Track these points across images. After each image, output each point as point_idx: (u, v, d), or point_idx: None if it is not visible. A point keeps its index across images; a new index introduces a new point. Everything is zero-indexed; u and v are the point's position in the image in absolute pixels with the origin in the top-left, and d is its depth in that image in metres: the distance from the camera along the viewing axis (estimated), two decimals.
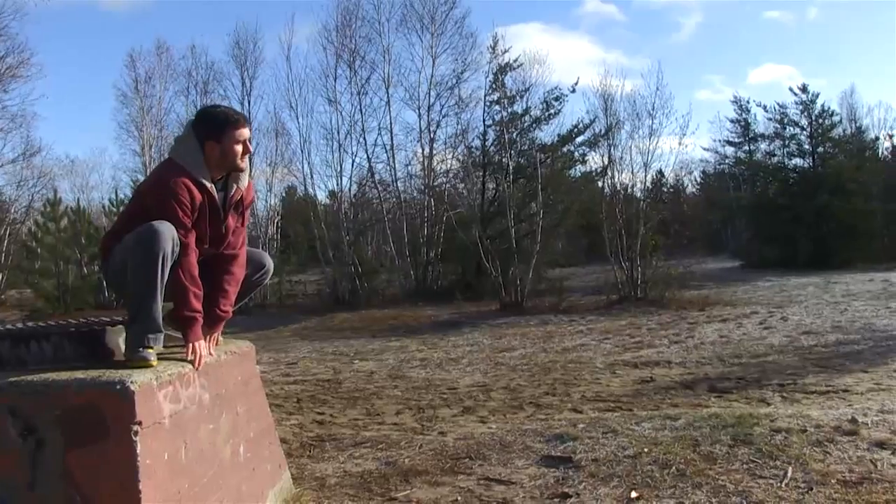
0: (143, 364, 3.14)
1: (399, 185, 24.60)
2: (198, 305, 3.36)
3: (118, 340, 3.42)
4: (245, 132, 3.45)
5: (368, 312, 18.48)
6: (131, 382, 2.88)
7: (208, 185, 3.37)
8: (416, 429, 6.50)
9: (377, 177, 24.39)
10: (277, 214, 25.61)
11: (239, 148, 3.42)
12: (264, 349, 12.85)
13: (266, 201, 25.06)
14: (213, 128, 3.38)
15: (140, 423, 2.87)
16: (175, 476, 3.06)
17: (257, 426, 4.18)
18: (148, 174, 3.51)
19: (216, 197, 3.41)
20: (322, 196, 26.54)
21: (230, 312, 3.70)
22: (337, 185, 24.12)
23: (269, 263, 4.00)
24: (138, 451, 2.84)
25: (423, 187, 23.84)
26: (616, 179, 19.86)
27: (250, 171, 3.65)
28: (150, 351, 3.20)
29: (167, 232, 3.14)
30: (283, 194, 28.75)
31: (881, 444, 4.85)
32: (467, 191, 23.12)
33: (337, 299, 21.14)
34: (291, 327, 16.72)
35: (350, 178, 24.82)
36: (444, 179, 24.20)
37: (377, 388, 8.87)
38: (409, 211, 24.04)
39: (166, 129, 25.20)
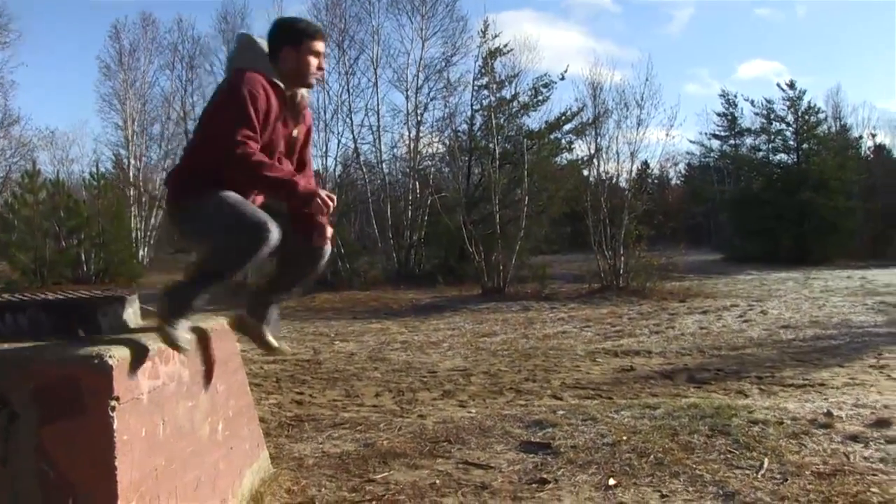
0: (168, 339, 3.09)
1: (384, 167, 24.54)
2: (288, 171, 3.20)
3: (112, 313, 3.37)
4: (323, 45, 3.25)
5: (350, 294, 18.44)
6: (109, 357, 2.83)
7: (281, 86, 3.14)
8: (395, 411, 6.50)
9: (362, 158, 24.30)
10: None
11: (314, 61, 3.21)
12: None
13: None
14: (294, 34, 3.18)
15: (118, 399, 2.82)
16: (152, 452, 3.03)
17: (236, 405, 4.15)
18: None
19: (286, 103, 3.19)
20: None
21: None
22: (322, 165, 24.03)
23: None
24: (115, 427, 2.80)
25: (408, 170, 23.77)
26: (602, 168, 19.94)
27: None
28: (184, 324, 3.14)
29: (275, 232, 3.02)
30: None
31: (854, 438, 4.91)
32: (453, 175, 23.05)
33: (318, 280, 21.05)
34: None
35: (335, 158, 24.73)
36: (430, 163, 24.17)
37: (357, 369, 8.85)
38: (393, 193, 23.96)
39: (150, 104, 24.92)
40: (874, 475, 4.19)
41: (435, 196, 21.77)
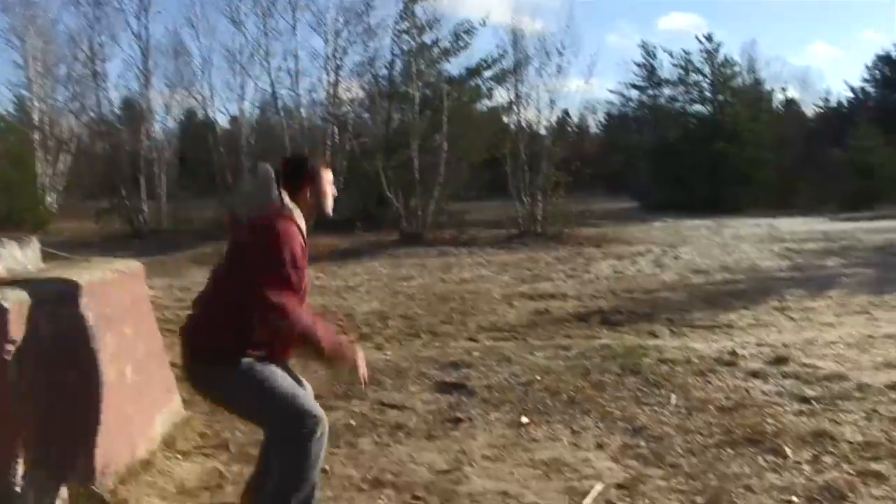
0: None
1: (303, 111, 23.98)
2: (330, 331, 2.96)
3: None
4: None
5: None
6: (3, 300, 2.69)
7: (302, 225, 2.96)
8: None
9: (280, 102, 23.68)
10: (175, 138, 24.56)
11: (331, 188, 3.08)
12: (158, 274, 12.43)
13: (164, 124, 24.03)
14: (311, 170, 3.02)
15: (14, 343, 2.70)
16: (53, 397, 2.92)
17: (146, 349, 4.04)
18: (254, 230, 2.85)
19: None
20: (223, 121, 25.58)
21: None
22: (238, 109, 23.31)
23: None
24: (13, 372, 2.68)
25: (327, 115, 23.30)
26: (522, 115, 19.94)
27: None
28: None
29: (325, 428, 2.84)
30: (182, 118, 27.51)
31: (755, 374, 5.12)
32: (372, 121, 22.70)
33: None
34: (187, 253, 16.18)
35: (252, 102, 24.00)
36: (349, 108, 23.70)
37: None
38: (312, 139, 23.49)
39: (54, 43, 23.51)
40: (771, 408, 4.38)
41: (354, 142, 21.39)
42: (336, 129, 22.47)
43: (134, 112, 23.08)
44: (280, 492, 2.75)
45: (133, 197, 20.77)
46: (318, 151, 3.28)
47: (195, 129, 26.97)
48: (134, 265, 4.15)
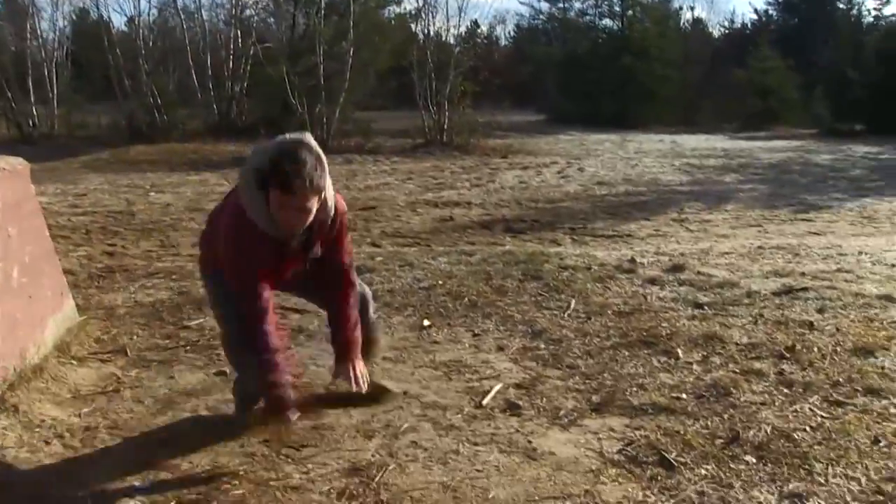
0: None
1: (203, 13, 22.84)
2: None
3: None
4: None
5: (167, 146, 17.37)
6: None
7: None
8: None
9: (180, 4, 22.48)
10: (68, 39, 22.98)
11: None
12: (50, 180, 11.83)
13: (53, 22, 22.41)
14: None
15: None
16: None
17: (33, 251, 3.81)
18: None
19: None
20: (120, 22, 24.09)
21: None
22: (135, 9, 21.95)
23: None
24: None
25: (229, 18, 22.25)
26: (430, 23, 19.55)
27: None
28: None
29: None
30: (74, 17, 25.72)
31: (652, 281, 5.23)
32: (276, 25, 21.82)
33: (133, 132, 19.58)
34: (82, 159, 15.39)
35: (150, 2, 22.68)
36: (252, 12, 22.73)
37: (173, 220, 8.45)
38: (214, 43, 22.45)
39: None
40: (666, 312, 4.49)
41: (258, 46, 20.54)
42: (239, 33, 21.49)
43: (16, 6, 21.36)
44: None
45: (20, 100, 19.41)
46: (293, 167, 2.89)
47: (89, 29, 25.31)
48: (15, 161, 3.86)
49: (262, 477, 2.64)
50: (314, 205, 2.62)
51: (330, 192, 2.76)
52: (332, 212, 2.81)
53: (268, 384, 2.68)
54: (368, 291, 3.30)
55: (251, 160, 2.73)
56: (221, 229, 2.76)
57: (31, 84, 19.53)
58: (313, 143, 2.68)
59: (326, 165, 2.66)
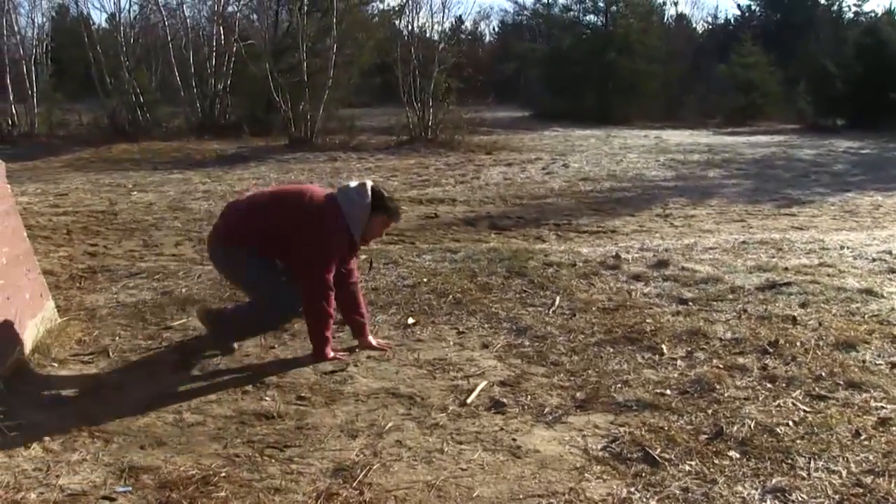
0: None
1: (186, 10, 22.64)
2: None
3: None
4: None
5: (150, 144, 17.23)
6: None
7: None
8: (194, 259, 6.24)
9: (161, 0, 22.28)
10: (47, 36, 22.69)
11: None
12: (31, 180, 11.73)
13: (32, 19, 22.09)
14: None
15: None
16: None
17: (10, 252, 3.79)
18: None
19: None
20: (100, 18, 23.83)
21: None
22: (116, 5, 21.71)
23: None
24: None
25: (211, 15, 22.07)
26: (414, 19, 19.50)
27: None
28: None
29: None
30: (54, 14, 25.41)
31: (637, 277, 5.24)
32: (260, 22, 21.68)
33: (115, 130, 19.39)
34: (63, 158, 15.23)
35: None
36: (235, 8, 22.53)
37: (156, 219, 8.39)
38: (196, 40, 22.28)
39: None
40: (650, 308, 4.50)
41: (241, 44, 20.40)
42: (222, 30, 21.35)
43: None
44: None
45: None
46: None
47: (69, 25, 25.07)
48: None
49: (245, 478, 2.63)
50: None
51: None
52: None
53: (324, 339, 3.81)
54: None
55: (355, 192, 3.84)
56: (325, 227, 3.76)
57: (9, 82, 19.27)
58: None
59: None
